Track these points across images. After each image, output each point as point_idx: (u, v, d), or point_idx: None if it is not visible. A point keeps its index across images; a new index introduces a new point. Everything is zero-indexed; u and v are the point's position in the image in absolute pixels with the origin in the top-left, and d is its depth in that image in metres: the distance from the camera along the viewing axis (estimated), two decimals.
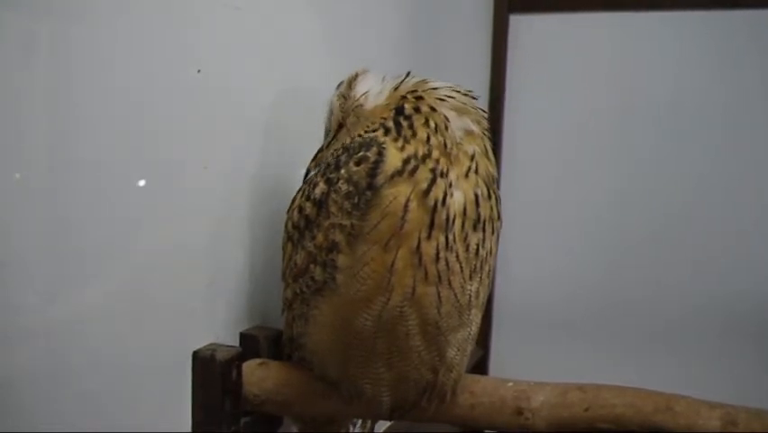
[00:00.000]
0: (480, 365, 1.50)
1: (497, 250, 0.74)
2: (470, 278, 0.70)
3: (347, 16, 1.08)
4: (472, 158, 0.70)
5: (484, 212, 0.70)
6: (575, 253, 1.49)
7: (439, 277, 0.67)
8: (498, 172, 0.75)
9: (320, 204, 0.71)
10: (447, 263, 0.68)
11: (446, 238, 0.67)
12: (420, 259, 0.66)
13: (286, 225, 0.77)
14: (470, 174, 0.69)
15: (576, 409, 0.73)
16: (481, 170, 0.71)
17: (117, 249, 0.68)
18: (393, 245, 0.66)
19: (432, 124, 0.69)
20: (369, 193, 0.66)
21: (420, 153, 0.67)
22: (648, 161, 1.42)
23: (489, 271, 0.74)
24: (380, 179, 0.66)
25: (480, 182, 0.70)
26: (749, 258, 1.36)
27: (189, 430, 0.78)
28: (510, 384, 0.77)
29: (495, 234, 0.73)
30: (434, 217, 0.66)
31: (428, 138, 0.68)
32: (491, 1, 1.49)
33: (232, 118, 0.81)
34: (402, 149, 0.67)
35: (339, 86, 0.80)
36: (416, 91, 0.72)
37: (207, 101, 0.77)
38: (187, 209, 0.76)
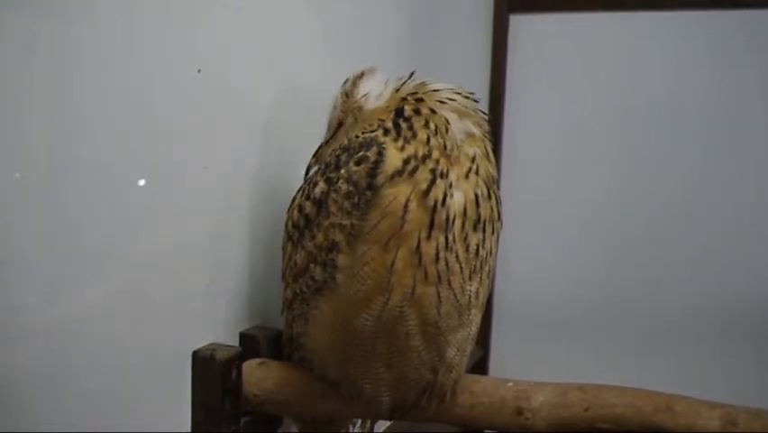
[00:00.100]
0: (480, 365, 1.50)
1: (497, 250, 0.74)
2: (470, 278, 0.70)
3: (347, 16, 1.08)
4: (473, 159, 0.70)
5: (484, 212, 0.70)
6: (575, 253, 1.49)
7: (439, 277, 0.67)
8: (498, 172, 0.75)
9: (320, 203, 0.71)
10: (447, 264, 0.68)
11: (446, 238, 0.67)
12: (420, 259, 0.66)
13: (286, 225, 0.77)
14: (470, 175, 0.69)
15: (576, 409, 0.73)
16: (482, 172, 0.71)
17: (117, 249, 0.68)
18: (393, 245, 0.66)
19: (432, 126, 0.69)
20: (369, 193, 0.66)
21: (420, 154, 0.67)
22: (648, 161, 1.42)
23: (490, 271, 0.74)
24: (380, 179, 0.66)
25: (481, 183, 0.70)
26: (749, 258, 1.36)
27: (189, 430, 0.78)
28: (510, 384, 0.77)
29: (495, 234, 0.73)
30: (434, 218, 0.66)
31: (428, 139, 0.68)
32: (491, 1, 1.48)
33: (232, 118, 0.81)
34: (402, 149, 0.67)
35: (345, 82, 0.80)
36: (416, 93, 0.72)
37: (207, 101, 0.77)
38: (187, 209, 0.76)
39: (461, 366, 0.76)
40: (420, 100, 0.71)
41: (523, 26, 1.48)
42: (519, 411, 0.75)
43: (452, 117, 0.71)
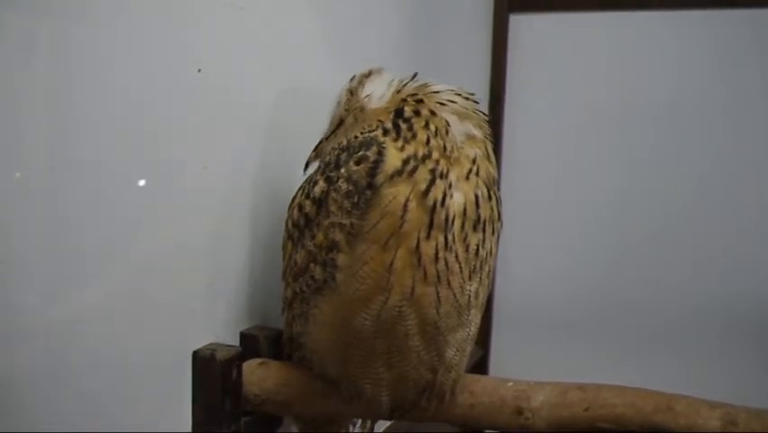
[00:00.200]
0: (480, 365, 1.50)
1: (497, 250, 0.74)
2: (470, 278, 0.70)
3: (347, 16, 1.08)
4: (474, 161, 0.70)
5: (484, 213, 0.70)
6: (575, 253, 1.49)
7: (438, 277, 0.67)
8: (499, 172, 0.75)
9: (320, 203, 0.71)
10: (446, 264, 0.68)
11: (445, 238, 0.67)
12: (419, 259, 0.66)
13: (286, 224, 0.77)
14: (470, 176, 0.69)
15: (576, 408, 0.73)
16: (482, 173, 0.71)
17: (117, 249, 0.68)
18: (392, 245, 0.66)
19: (432, 128, 0.69)
20: (368, 192, 0.66)
21: (420, 154, 0.67)
22: (648, 161, 1.42)
23: (489, 271, 0.74)
24: (380, 179, 0.66)
25: (481, 184, 0.70)
26: (749, 258, 1.36)
27: (189, 430, 0.78)
28: (510, 384, 0.77)
29: (495, 234, 0.73)
30: (434, 218, 0.66)
31: (428, 140, 0.68)
32: (491, 1, 1.49)
33: (232, 118, 0.81)
34: (402, 149, 0.68)
35: (352, 79, 0.79)
36: (416, 95, 0.72)
37: (207, 101, 0.77)
38: (187, 209, 0.76)
39: (460, 366, 0.76)
40: (420, 102, 0.71)
41: (523, 26, 1.48)
42: (519, 411, 0.75)
43: (452, 119, 0.71)
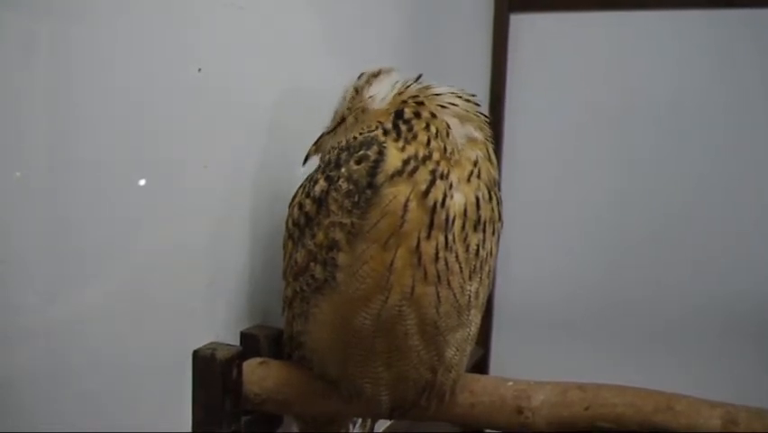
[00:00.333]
0: (480, 365, 1.50)
1: (497, 251, 0.74)
2: (470, 278, 0.70)
3: (347, 16, 1.08)
4: (475, 163, 0.70)
5: (485, 214, 0.70)
6: (575, 253, 1.49)
7: (438, 277, 0.67)
8: (499, 173, 0.75)
9: (320, 202, 0.71)
10: (446, 263, 0.68)
11: (446, 238, 0.67)
12: (419, 258, 0.66)
13: (286, 223, 0.77)
14: (472, 178, 0.69)
15: (576, 408, 0.73)
16: (483, 174, 0.71)
17: (117, 249, 0.68)
18: (392, 244, 0.66)
19: (432, 129, 0.69)
20: (369, 192, 0.66)
21: (420, 155, 0.67)
22: (648, 161, 1.42)
23: (490, 271, 0.74)
24: (381, 178, 0.66)
25: (482, 186, 0.70)
26: (749, 258, 1.36)
27: (189, 430, 0.78)
28: (510, 383, 0.77)
29: (495, 235, 0.73)
30: (434, 218, 0.66)
31: (428, 141, 0.68)
32: (491, 0, 1.49)
33: (232, 118, 0.81)
34: (402, 149, 0.68)
35: (360, 76, 0.79)
36: (417, 96, 0.72)
37: (208, 101, 0.77)
38: (187, 209, 0.76)
39: (460, 366, 0.76)
40: (421, 104, 0.71)
41: (523, 25, 1.48)
42: (519, 410, 0.75)
43: (453, 122, 0.71)
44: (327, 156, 0.74)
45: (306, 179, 0.76)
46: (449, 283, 0.68)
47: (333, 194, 0.69)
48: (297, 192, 0.76)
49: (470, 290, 0.71)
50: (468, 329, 0.74)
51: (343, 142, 0.74)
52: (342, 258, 0.69)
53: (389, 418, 0.85)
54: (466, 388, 0.78)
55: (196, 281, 0.79)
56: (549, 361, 1.41)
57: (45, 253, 0.61)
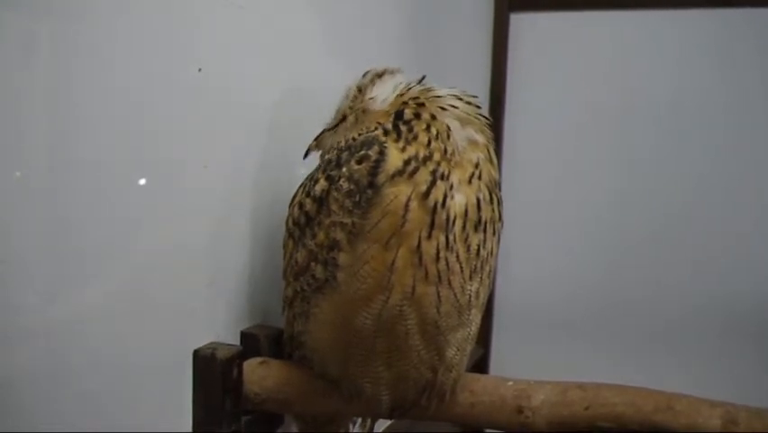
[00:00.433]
0: (480, 364, 1.51)
1: (498, 250, 0.74)
2: (471, 278, 0.70)
3: (347, 16, 1.08)
4: (477, 165, 0.70)
5: (485, 214, 0.70)
6: (575, 253, 1.49)
7: (439, 277, 0.67)
8: (499, 173, 0.75)
9: (320, 201, 0.71)
10: (447, 263, 0.68)
11: (446, 238, 0.67)
12: (420, 258, 0.66)
13: (287, 222, 0.77)
14: (473, 180, 0.69)
15: (576, 407, 0.73)
16: (485, 176, 0.71)
17: (117, 249, 0.68)
18: (393, 244, 0.66)
19: (433, 131, 0.69)
20: (370, 192, 0.66)
21: (421, 156, 0.67)
22: (648, 161, 1.42)
23: (490, 271, 0.74)
24: (381, 178, 0.66)
25: (483, 187, 0.70)
26: (749, 258, 1.36)
27: (189, 430, 0.78)
28: (510, 383, 0.77)
29: (496, 235, 0.73)
30: (435, 218, 0.66)
31: (429, 142, 0.68)
32: (491, 0, 1.49)
33: (232, 118, 0.81)
34: (403, 150, 0.68)
35: (365, 75, 0.78)
36: (418, 98, 0.72)
37: (208, 100, 0.77)
38: (187, 209, 0.76)
39: (460, 366, 0.76)
40: (421, 105, 0.71)
41: (523, 25, 1.48)
42: (520, 410, 0.75)
43: (454, 125, 0.71)
44: (328, 156, 0.74)
45: (307, 178, 0.76)
46: (450, 283, 0.68)
47: (334, 193, 0.69)
48: (298, 191, 0.76)
49: (470, 290, 0.71)
50: (468, 329, 0.74)
51: (343, 143, 0.74)
52: (342, 258, 0.69)
53: (390, 417, 0.85)
54: (466, 387, 0.78)
55: (196, 281, 0.79)
56: (549, 361, 1.41)
57: (45, 253, 0.61)
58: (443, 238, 0.67)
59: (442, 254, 0.67)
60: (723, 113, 1.36)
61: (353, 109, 0.77)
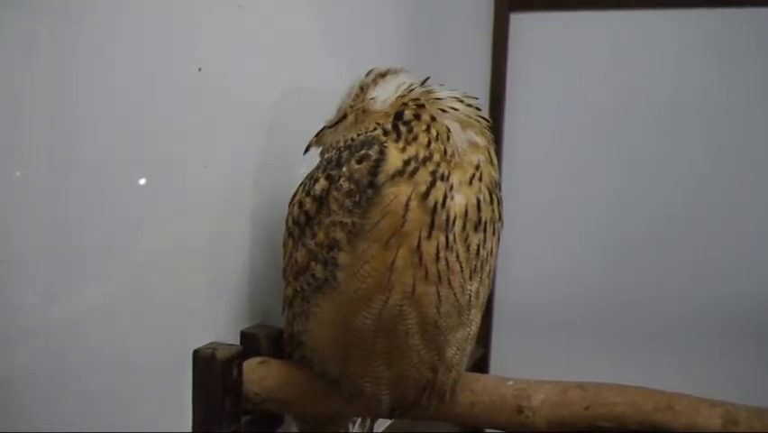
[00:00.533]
0: (480, 364, 1.51)
1: (497, 250, 0.74)
2: (471, 278, 0.70)
3: (347, 16, 1.08)
4: (477, 167, 0.70)
5: (485, 214, 0.70)
6: (575, 253, 1.49)
7: (439, 276, 0.68)
8: (499, 173, 0.75)
9: (321, 201, 0.71)
10: (447, 263, 0.68)
11: (446, 238, 0.67)
12: (420, 258, 0.66)
13: (287, 221, 0.77)
14: (473, 181, 0.69)
15: (576, 407, 0.73)
16: (485, 178, 0.71)
17: (117, 249, 0.68)
18: (393, 244, 0.66)
19: (433, 132, 0.69)
20: (370, 191, 0.66)
21: (421, 156, 0.67)
22: (648, 161, 1.42)
23: (490, 271, 0.74)
24: (382, 178, 0.66)
25: (483, 188, 0.70)
26: (749, 258, 1.36)
27: (189, 430, 0.78)
28: (510, 383, 0.77)
29: (496, 235, 0.73)
30: (435, 218, 0.66)
31: (429, 143, 0.68)
32: (491, 0, 1.49)
33: (232, 118, 0.81)
34: (403, 150, 0.68)
35: (368, 74, 0.78)
36: (418, 100, 0.72)
37: (208, 100, 0.77)
38: (187, 209, 0.76)
39: (460, 365, 0.76)
40: (421, 106, 0.71)
41: (523, 25, 1.48)
42: (520, 410, 0.75)
43: (454, 127, 0.71)
44: (327, 155, 0.74)
45: (307, 177, 0.76)
46: (450, 283, 0.68)
47: (334, 193, 0.69)
48: (298, 190, 0.76)
49: (470, 290, 0.71)
50: (468, 329, 0.74)
51: (342, 142, 0.74)
52: (342, 257, 0.69)
53: (390, 417, 0.84)
54: (466, 387, 0.78)
55: (196, 281, 0.79)
56: (549, 361, 1.41)
57: (45, 253, 0.61)
58: (442, 238, 0.67)
59: (442, 254, 0.67)
60: (723, 113, 1.36)
61: (354, 108, 0.77)
